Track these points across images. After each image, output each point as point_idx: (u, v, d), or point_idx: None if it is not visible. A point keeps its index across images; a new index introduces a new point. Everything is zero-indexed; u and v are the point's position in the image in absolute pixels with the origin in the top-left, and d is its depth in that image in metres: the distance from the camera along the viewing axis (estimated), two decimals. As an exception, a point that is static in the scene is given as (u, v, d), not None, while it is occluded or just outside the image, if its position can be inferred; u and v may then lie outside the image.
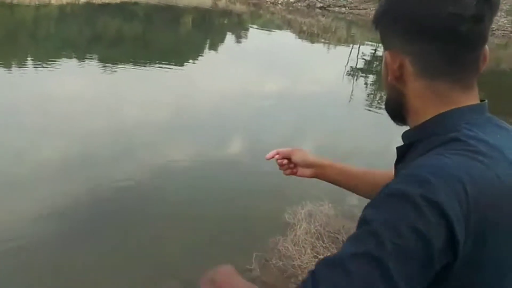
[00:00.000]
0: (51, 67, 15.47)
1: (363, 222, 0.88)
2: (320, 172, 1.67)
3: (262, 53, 20.40)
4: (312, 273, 0.86)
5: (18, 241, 4.90)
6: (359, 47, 24.10)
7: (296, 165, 1.69)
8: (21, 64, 15.51)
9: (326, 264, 0.86)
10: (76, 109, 10.13)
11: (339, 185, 1.72)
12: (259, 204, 6.06)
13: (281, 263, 4.65)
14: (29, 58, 16.34)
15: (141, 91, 12.29)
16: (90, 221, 5.50)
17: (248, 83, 14.56)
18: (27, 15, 26.39)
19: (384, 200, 0.88)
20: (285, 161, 1.70)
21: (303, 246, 4.91)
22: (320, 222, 5.40)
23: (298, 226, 5.13)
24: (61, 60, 16.42)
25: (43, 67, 15.41)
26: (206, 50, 22.96)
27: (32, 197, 5.95)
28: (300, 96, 13.11)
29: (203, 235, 5.35)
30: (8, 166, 6.81)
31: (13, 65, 15.22)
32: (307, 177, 1.70)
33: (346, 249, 0.85)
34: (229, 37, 27.86)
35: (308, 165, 1.66)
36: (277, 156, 1.70)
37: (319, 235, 5.21)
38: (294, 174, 1.70)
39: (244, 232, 5.41)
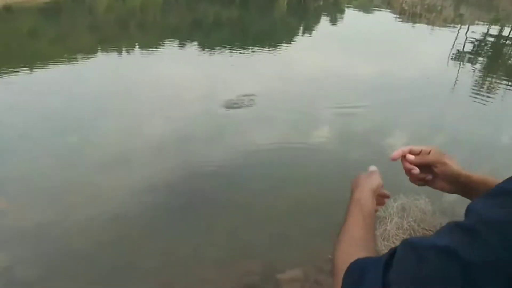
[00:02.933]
0: (156, 51, 16.64)
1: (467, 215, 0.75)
2: (468, 189, 1.21)
3: (358, 36, 19.53)
4: (394, 250, 0.81)
5: (120, 211, 5.41)
6: (468, 28, 21.77)
7: (435, 175, 1.28)
8: (130, 48, 16.93)
9: (406, 244, 0.79)
10: (177, 92, 10.77)
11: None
12: (345, 193, 5.82)
13: (369, 257, 4.44)
14: (136, 44, 17.75)
15: (235, 76, 12.61)
16: (181, 198, 5.83)
17: (342, 67, 14.08)
18: (136, 4, 28.63)
19: (497, 198, 0.74)
20: (417, 170, 1.28)
21: (393, 242, 4.65)
22: (414, 218, 5.04)
23: (389, 220, 4.85)
24: (164, 45, 17.53)
25: (148, 51, 16.64)
26: (300, 33, 22.69)
27: (134, 173, 6.50)
28: (397, 82, 12.30)
29: (287, 221, 5.35)
30: (115, 144, 7.51)
31: (123, 50, 16.69)
32: (447, 192, 1.28)
33: (435, 238, 0.76)
34: (324, 20, 27.15)
35: (454, 179, 1.24)
36: (407, 164, 1.29)
37: (412, 231, 4.88)
38: (427, 184, 1.32)
39: (328, 220, 5.27)
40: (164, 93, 10.68)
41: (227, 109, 9.38)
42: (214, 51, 16.27)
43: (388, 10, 29.42)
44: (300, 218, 5.39)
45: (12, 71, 12.37)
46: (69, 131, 7.98)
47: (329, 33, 22.01)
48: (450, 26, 24.00)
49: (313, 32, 22.92)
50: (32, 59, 14.30)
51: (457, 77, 13.18)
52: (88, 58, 15.02)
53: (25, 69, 12.81)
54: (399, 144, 7.26)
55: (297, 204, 5.73)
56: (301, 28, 24.59)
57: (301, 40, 20.32)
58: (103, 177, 6.34)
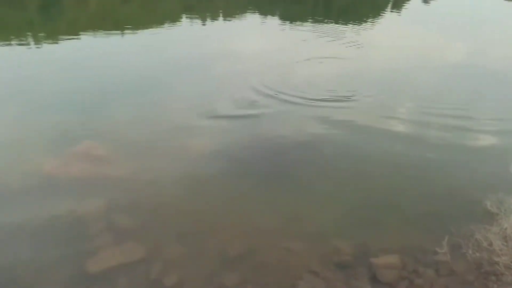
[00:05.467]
0: (237, 21, 16.53)
1: None
2: None
3: (452, 14, 17.86)
4: None
5: (209, 172, 5.38)
6: None
7: None
8: (214, 18, 16.99)
9: None
10: (256, 62, 10.56)
11: None
12: (454, 184, 5.31)
13: (478, 255, 3.97)
14: (220, 13, 17.77)
15: (313, 48, 12.06)
16: (274, 168, 5.66)
17: (430, 48, 12.93)
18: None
19: None
20: None
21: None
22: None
23: (505, 218, 4.26)
24: (246, 15, 17.37)
25: (230, 21, 16.58)
26: (388, 10, 21.27)
27: (218, 139, 6.45)
28: (492, 67, 11.00)
29: (383, 206, 4.97)
30: (201, 106, 7.50)
31: (208, 20, 16.77)
32: None
33: None
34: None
35: None
36: None
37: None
38: None
39: (435, 211, 4.82)
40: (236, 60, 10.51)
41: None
42: (294, 24, 15.79)
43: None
44: (398, 205, 4.98)
45: (107, 33, 12.95)
46: (159, 90, 8.16)
47: (420, 11, 20.42)
48: None
49: (403, 9, 21.39)
50: (124, 23, 14.87)
51: None
52: (175, 24, 15.33)
53: (117, 31, 13.35)
54: None
55: (395, 190, 5.30)
56: (390, 4, 23.01)
57: (388, 18, 19.04)
58: (191, 136, 6.35)
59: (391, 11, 20.87)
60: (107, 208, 4.61)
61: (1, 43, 11.51)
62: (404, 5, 22.37)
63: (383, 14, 19.82)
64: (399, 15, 20.11)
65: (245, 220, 4.65)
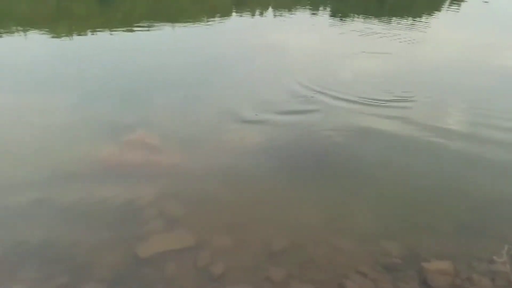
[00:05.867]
0: (287, 15, 16.44)
1: None
2: None
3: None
4: None
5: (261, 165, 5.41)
6: None
7: None
8: (264, 12, 17.00)
9: None
10: (304, 57, 10.45)
11: None
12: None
13: (541, 268, 3.72)
14: (270, 7, 17.74)
15: (365, 44, 11.75)
16: (322, 165, 5.60)
17: (489, 48, 12.20)
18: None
19: None
20: None
21: None
22: None
23: None
24: (296, 9, 17.23)
25: (280, 15, 16.51)
26: (445, 7, 20.30)
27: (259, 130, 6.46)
28: None
29: (435, 210, 4.77)
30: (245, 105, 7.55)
31: (256, 14, 16.82)
32: None
33: None
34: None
35: None
36: None
37: None
38: None
39: (494, 218, 4.56)
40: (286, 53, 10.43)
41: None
42: (345, 19, 15.47)
43: None
44: (453, 210, 4.76)
45: (158, 26, 13.32)
46: (208, 83, 8.30)
47: (479, 9, 19.33)
48: None
49: (461, 7, 20.34)
50: (176, 16, 15.26)
51: None
52: (224, 18, 15.52)
53: (168, 23, 13.71)
54: None
55: (451, 194, 5.07)
56: (447, 1, 21.95)
57: (445, 15, 18.18)
58: (239, 129, 6.40)
59: (448, 9, 19.91)
60: (158, 195, 4.76)
61: (63, 34, 12.17)
62: (462, 2, 21.27)
63: (439, 11, 18.96)
64: (457, 11, 19.16)
65: (291, 215, 4.62)
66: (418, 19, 16.13)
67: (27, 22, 13.76)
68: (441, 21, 16.75)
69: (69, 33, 12.31)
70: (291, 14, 16.65)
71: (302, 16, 16.32)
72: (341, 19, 15.69)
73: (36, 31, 12.29)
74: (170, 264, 3.90)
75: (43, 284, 3.66)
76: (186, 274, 3.82)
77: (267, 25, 14.79)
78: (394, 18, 16.01)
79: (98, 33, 12.40)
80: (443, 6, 20.50)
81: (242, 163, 5.52)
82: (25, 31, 12.29)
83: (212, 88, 8.13)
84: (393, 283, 3.74)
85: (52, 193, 4.76)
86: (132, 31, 12.73)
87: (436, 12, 18.80)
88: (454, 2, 21.48)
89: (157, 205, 4.61)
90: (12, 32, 12.28)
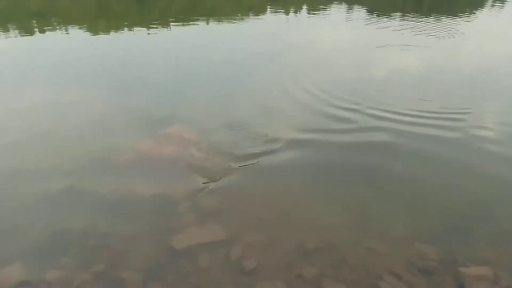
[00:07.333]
0: (322, 12, 16.27)
1: None
2: None
3: None
4: None
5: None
6: None
7: None
8: (298, 10, 16.89)
9: None
10: (339, 55, 10.33)
11: None
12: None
13: None
14: (304, 6, 17.60)
15: (397, 40, 11.45)
16: (357, 163, 5.51)
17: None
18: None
19: None
20: None
21: None
22: None
23: None
24: (331, 7, 17.01)
25: (314, 14, 16.36)
26: (488, 4, 19.50)
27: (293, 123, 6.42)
28: None
29: (475, 215, 4.61)
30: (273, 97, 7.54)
31: (291, 12, 16.73)
32: None
33: None
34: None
35: None
36: None
37: None
38: None
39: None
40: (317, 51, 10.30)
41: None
42: (382, 17, 15.13)
43: None
44: (493, 216, 4.59)
45: (193, 23, 13.51)
46: (241, 80, 8.35)
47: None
48: None
49: (505, 5, 19.45)
50: (210, 12, 15.41)
51: None
52: (258, 15, 15.53)
53: (203, 20, 13.88)
54: None
55: (492, 200, 4.89)
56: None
57: (489, 14, 17.45)
58: (273, 128, 6.39)
59: (493, 5, 19.09)
60: (194, 189, 4.85)
61: (101, 32, 12.55)
62: (507, 1, 20.36)
63: (481, 10, 18.22)
64: (502, 7, 18.36)
65: (325, 216, 4.58)
66: (456, 18, 15.59)
67: (68, 19, 14.27)
68: (483, 19, 16.09)
69: (108, 29, 12.68)
70: (326, 11, 16.47)
71: (336, 14, 16.11)
72: (378, 17, 15.38)
73: (76, 26, 12.73)
74: (203, 256, 3.97)
75: (81, 271, 3.79)
76: (219, 266, 3.87)
77: (301, 23, 14.70)
78: (433, 16, 15.54)
79: (135, 29, 12.71)
80: (485, 4, 19.70)
81: (278, 162, 5.51)
82: (66, 27, 12.75)
83: (245, 86, 8.18)
84: (429, 287, 3.66)
85: (90, 183, 4.95)
86: (168, 27, 12.97)
87: (478, 9, 18.07)
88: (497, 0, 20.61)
89: (191, 198, 4.69)
90: (54, 28, 12.77)
